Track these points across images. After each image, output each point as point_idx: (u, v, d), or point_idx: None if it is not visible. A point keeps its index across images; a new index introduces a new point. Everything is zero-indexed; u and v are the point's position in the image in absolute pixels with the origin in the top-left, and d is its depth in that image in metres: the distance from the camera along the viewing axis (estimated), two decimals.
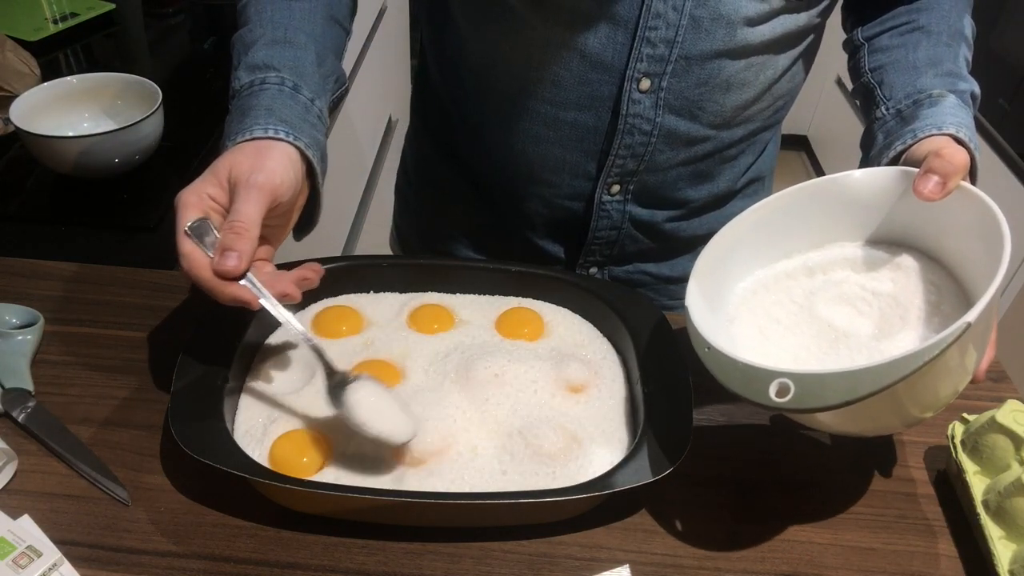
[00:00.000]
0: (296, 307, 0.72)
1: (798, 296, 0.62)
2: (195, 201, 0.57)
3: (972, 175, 0.62)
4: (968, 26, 0.73)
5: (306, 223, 0.67)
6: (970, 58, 0.72)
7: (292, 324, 0.59)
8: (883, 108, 0.69)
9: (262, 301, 0.57)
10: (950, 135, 0.62)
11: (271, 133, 0.59)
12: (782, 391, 0.48)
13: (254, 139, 0.59)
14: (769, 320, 0.61)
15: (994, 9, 1.92)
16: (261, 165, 0.57)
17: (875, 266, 0.61)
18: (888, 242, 0.62)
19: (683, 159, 0.76)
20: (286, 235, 0.64)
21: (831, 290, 0.61)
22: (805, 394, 0.48)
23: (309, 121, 0.63)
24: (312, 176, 0.63)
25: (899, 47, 0.71)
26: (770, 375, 0.49)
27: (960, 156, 0.57)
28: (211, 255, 0.55)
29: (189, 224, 0.55)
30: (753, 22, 0.67)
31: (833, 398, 0.47)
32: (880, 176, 0.60)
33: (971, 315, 0.46)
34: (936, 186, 0.56)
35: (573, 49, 0.68)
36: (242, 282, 0.56)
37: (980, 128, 2.10)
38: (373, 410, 0.58)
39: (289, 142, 0.59)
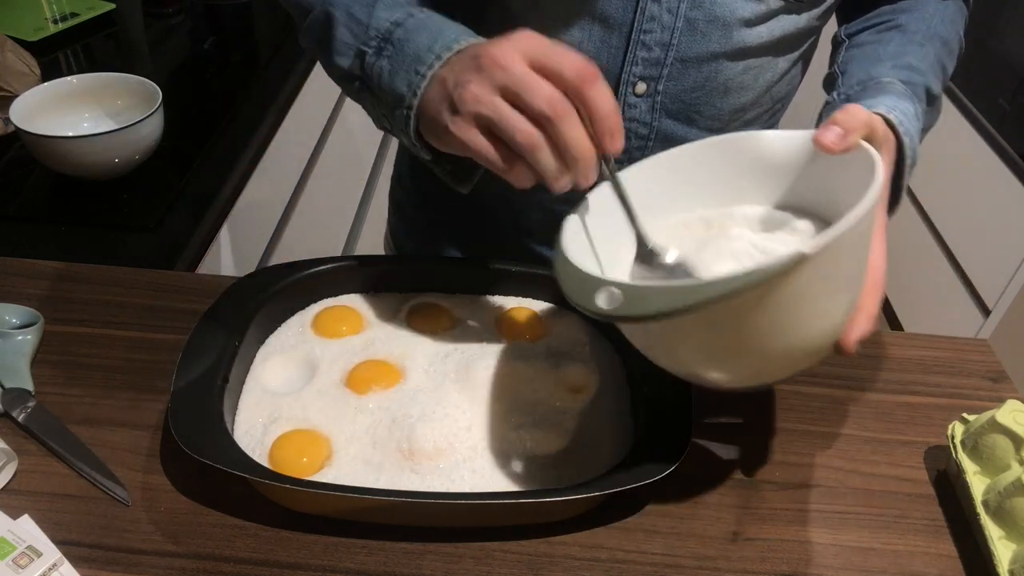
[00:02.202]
0: (296, 307, 0.72)
1: (688, 245, 0.60)
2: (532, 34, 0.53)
3: (900, 166, 0.61)
4: (953, 34, 0.72)
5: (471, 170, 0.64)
6: (947, 64, 0.71)
7: (640, 228, 0.56)
8: (835, 94, 0.68)
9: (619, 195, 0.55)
10: (880, 114, 0.60)
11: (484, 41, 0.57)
12: (611, 300, 0.48)
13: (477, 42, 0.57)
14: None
15: (994, 9, 1.92)
16: None
17: (772, 227, 0.60)
18: (795, 209, 0.60)
19: None
20: None
21: (722, 244, 0.59)
22: (628, 303, 0.47)
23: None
24: None
25: (873, 43, 0.71)
26: (601, 283, 0.48)
27: (864, 113, 0.55)
28: None
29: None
30: (751, 23, 0.67)
31: (652, 307, 0.46)
32: (791, 138, 0.59)
33: (807, 245, 0.44)
34: (837, 137, 0.53)
35: None
36: None
37: (980, 128, 2.09)
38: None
39: None
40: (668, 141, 0.73)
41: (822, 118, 0.67)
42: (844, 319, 0.53)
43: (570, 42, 0.68)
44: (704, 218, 0.61)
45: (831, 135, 0.53)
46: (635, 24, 0.66)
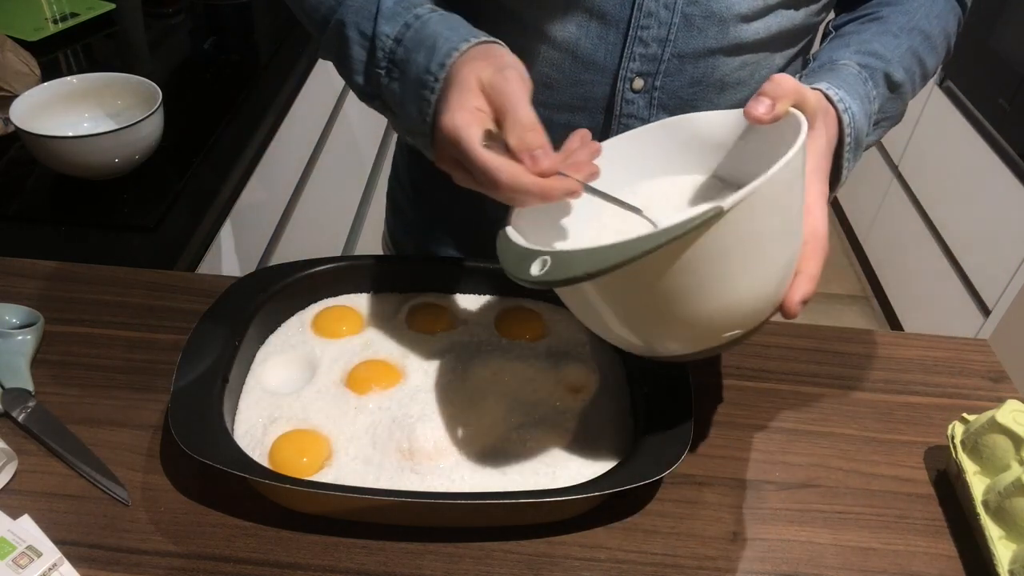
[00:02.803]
0: (296, 307, 0.72)
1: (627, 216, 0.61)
2: (470, 118, 0.54)
3: (840, 145, 0.61)
4: (937, 30, 0.72)
5: None
6: (925, 58, 0.70)
7: (620, 200, 0.57)
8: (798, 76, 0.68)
9: (587, 186, 0.55)
10: (820, 89, 0.60)
11: (483, 39, 0.58)
12: (542, 267, 0.49)
13: (471, 48, 0.57)
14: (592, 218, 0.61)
15: (994, 9, 1.92)
16: (503, 61, 0.56)
17: (705, 195, 0.60)
18: (733, 181, 0.61)
19: None
20: None
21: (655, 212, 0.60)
22: (557, 267, 0.48)
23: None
24: None
25: (851, 33, 0.71)
26: (534, 253, 0.50)
27: (791, 81, 0.55)
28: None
29: (483, 140, 0.53)
30: (747, 19, 0.67)
31: (579, 269, 0.47)
32: (727, 116, 0.59)
33: (727, 200, 0.45)
34: (766, 108, 0.54)
35: (565, 50, 0.68)
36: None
37: (980, 128, 2.09)
38: None
39: (501, 43, 0.59)
40: None
41: None
42: (780, 281, 0.53)
43: (567, 38, 0.68)
44: (644, 191, 0.62)
45: (760, 106, 0.54)
46: (632, 20, 0.66)
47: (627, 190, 0.62)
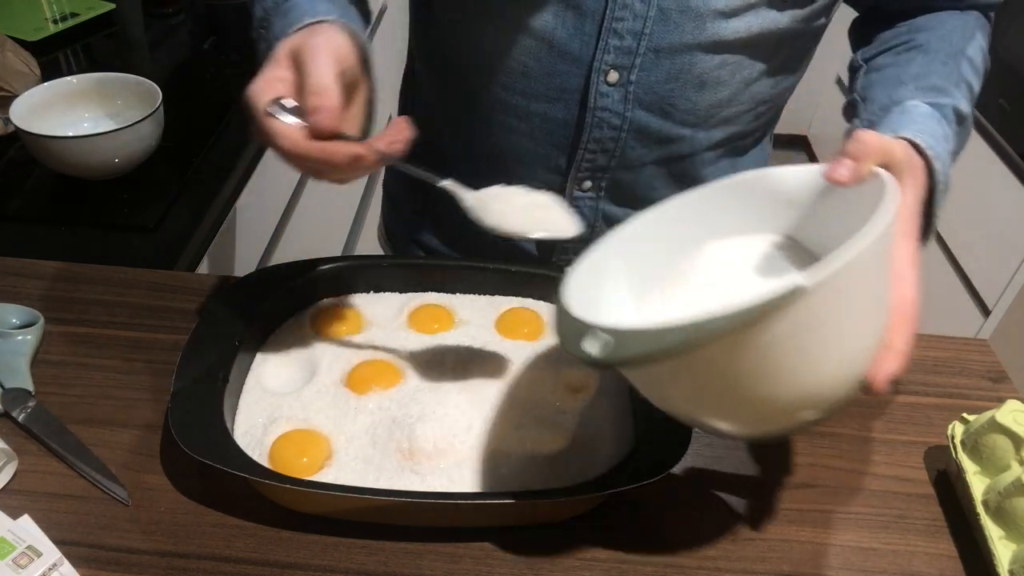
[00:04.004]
0: (296, 307, 0.72)
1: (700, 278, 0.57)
2: (264, 86, 0.54)
3: (932, 192, 0.58)
4: (977, 51, 0.70)
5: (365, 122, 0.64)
6: (973, 82, 0.69)
7: (413, 170, 0.56)
8: (856, 121, 0.67)
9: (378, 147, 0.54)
10: (906, 139, 0.58)
11: (320, 17, 0.58)
12: (601, 346, 0.45)
13: (310, 24, 0.57)
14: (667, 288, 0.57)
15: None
16: (317, 33, 0.55)
17: (779, 259, 0.56)
18: (815, 246, 0.56)
19: (657, 157, 0.75)
20: (359, 127, 0.60)
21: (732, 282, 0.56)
22: (617, 346, 0.44)
23: (350, 16, 0.61)
24: (367, 70, 0.60)
25: (892, 65, 0.69)
26: (590, 329, 0.46)
27: (876, 139, 0.52)
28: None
29: (266, 107, 0.53)
30: (726, 15, 0.65)
31: (637, 348, 0.43)
32: (806, 172, 0.55)
33: (807, 278, 0.39)
34: (848, 170, 0.50)
35: (541, 39, 0.68)
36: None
37: (980, 128, 2.08)
38: (518, 213, 0.57)
39: (338, 23, 0.58)
40: (642, 133, 0.72)
41: None
42: (863, 360, 0.48)
43: (544, 27, 0.68)
44: (714, 253, 0.58)
45: (842, 168, 0.51)
46: (607, 11, 0.66)
47: (697, 250, 0.58)
